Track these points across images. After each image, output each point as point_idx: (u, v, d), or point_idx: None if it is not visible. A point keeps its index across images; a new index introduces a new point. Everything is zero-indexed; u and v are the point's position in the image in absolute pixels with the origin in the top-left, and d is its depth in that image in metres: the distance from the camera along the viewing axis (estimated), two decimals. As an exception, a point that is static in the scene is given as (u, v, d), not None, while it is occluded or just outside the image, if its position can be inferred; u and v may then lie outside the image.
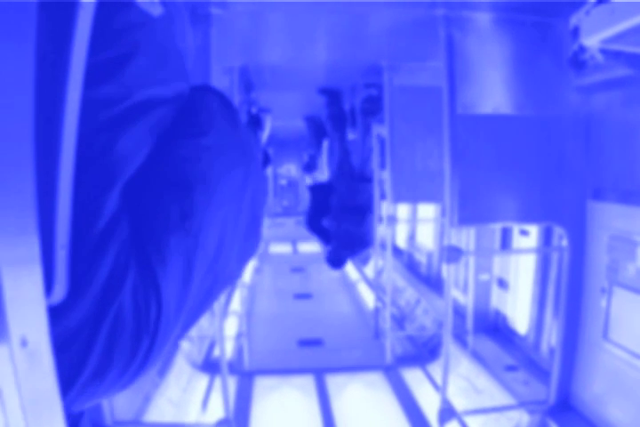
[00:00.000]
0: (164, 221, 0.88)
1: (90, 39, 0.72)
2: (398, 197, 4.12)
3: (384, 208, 4.82)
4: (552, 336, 3.45)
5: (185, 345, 4.38)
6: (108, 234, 0.79)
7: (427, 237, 6.51)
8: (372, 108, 4.78)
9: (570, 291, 2.68)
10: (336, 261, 5.44)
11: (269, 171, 11.08)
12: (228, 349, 4.53)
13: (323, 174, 7.78)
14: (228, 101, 1.10)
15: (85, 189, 0.77)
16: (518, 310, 4.08)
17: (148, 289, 0.83)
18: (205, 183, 0.94)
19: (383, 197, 4.72)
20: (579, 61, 2.36)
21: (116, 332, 0.79)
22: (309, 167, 9.40)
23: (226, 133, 1.03)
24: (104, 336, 0.77)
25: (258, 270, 8.54)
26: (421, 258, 6.57)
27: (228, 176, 1.00)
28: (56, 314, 0.71)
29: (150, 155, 0.90)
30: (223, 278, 1.04)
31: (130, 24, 0.85)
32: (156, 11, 0.89)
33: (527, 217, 2.69)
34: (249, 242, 1.13)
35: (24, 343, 0.55)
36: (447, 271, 2.76)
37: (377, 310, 5.31)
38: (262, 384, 4.17)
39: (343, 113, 5.46)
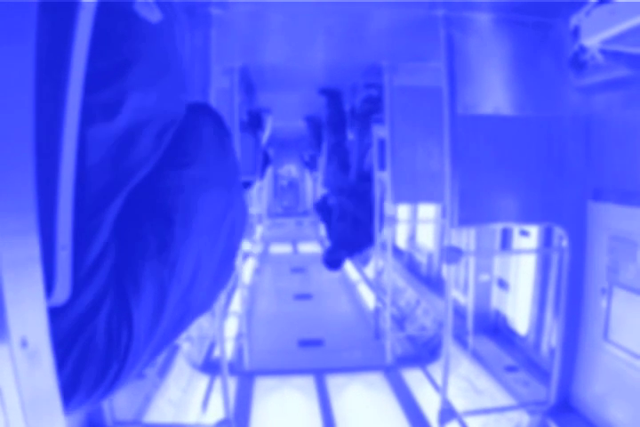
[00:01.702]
0: (142, 251, 0.90)
1: (89, 46, 0.72)
2: (398, 198, 4.12)
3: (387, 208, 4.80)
4: (552, 337, 3.44)
5: (185, 346, 4.37)
6: (96, 267, 0.82)
7: (427, 238, 6.50)
8: (372, 108, 4.78)
9: (570, 291, 2.68)
10: (333, 261, 5.36)
11: (270, 171, 11.08)
12: (229, 349, 4.53)
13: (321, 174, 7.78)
14: (222, 125, 1.10)
15: (78, 216, 0.77)
16: (518, 310, 4.08)
17: (121, 317, 0.86)
18: (185, 214, 0.95)
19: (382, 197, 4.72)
20: (579, 62, 2.36)
21: (86, 355, 0.82)
22: (310, 166, 9.42)
23: (212, 164, 1.03)
24: (74, 359, 0.80)
25: (258, 271, 8.54)
26: (422, 258, 6.57)
27: (208, 207, 1.01)
28: None
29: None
30: (195, 308, 1.05)
31: (129, 32, 0.85)
32: (155, 17, 0.89)
33: (527, 218, 2.69)
34: (222, 272, 1.13)
35: (24, 344, 0.55)
36: (447, 272, 2.76)
37: (377, 311, 5.30)
38: (262, 385, 4.17)
39: (343, 113, 5.46)
